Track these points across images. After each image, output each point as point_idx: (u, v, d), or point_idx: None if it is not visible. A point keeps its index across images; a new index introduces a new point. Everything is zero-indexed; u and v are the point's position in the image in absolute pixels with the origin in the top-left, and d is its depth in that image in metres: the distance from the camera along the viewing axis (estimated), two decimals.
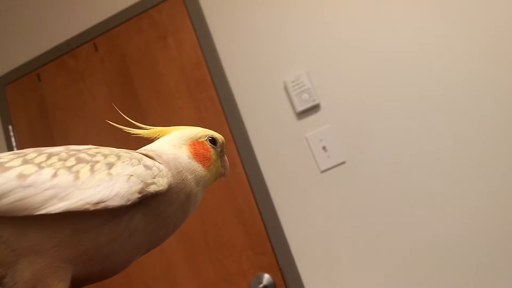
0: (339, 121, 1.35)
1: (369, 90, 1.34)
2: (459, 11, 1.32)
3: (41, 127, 1.64)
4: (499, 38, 1.27)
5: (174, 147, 0.47)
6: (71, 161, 0.36)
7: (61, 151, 0.37)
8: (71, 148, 0.38)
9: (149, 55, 1.57)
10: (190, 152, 0.47)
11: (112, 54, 1.61)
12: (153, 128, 0.51)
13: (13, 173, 0.33)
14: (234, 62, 1.47)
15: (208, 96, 1.47)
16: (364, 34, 1.37)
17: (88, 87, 1.61)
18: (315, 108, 1.37)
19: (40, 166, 0.34)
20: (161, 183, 0.38)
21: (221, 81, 1.46)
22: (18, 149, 1.61)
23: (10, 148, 1.62)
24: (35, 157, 0.35)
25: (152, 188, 0.37)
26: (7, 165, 0.34)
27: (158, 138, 0.50)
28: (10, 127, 1.66)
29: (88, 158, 0.37)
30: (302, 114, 1.38)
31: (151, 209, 0.39)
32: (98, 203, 0.34)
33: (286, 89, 1.40)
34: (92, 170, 0.35)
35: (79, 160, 0.36)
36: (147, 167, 0.38)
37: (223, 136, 0.54)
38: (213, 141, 0.51)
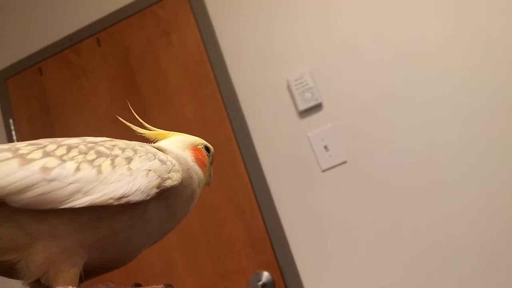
0: (341, 121, 1.34)
1: (371, 90, 1.34)
2: (464, 11, 1.31)
3: (42, 121, 1.64)
4: (503, 38, 1.27)
5: (179, 149, 0.49)
6: (91, 155, 0.36)
7: (79, 143, 0.37)
8: (88, 140, 0.39)
9: (152, 51, 1.56)
10: (193, 156, 0.50)
11: (115, 50, 1.60)
12: (156, 130, 0.53)
13: (36, 165, 0.33)
14: (237, 60, 1.47)
15: (210, 93, 1.47)
16: (368, 34, 1.37)
17: (90, 82, 1.61)
18: (317, 107, 1.37)
19: (62, 159, 0.35)
20: (175, 178, 0.39)
21: (224, 78, 1.46)
22: None
23: (11, 142, 1.62)
24: (55, 149, 0.36)
25: (168, 183, 0.38)
26: (29, 157, 0.34)
27: (159, 140, 0.52)
28: (11, 121, 1.66)
29: (107, 151, 0.37)
30: (305, 113, 1.37)
31: (164, 200, 0.40)
32: (121, 197, 0.35)
33: (289, 87, 1.39)
34: (113, 164, 0.36)
35: (99, 154, 0.37)
36: (162, 161, 0.40)
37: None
38: (207, 149, 0.54)
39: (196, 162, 0.49)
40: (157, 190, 0.37)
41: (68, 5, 1.69)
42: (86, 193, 0.33)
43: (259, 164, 1.38)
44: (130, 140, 0.41)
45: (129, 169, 0.37)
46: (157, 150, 0.42)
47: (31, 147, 0.35)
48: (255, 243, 1.35)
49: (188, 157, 0.49)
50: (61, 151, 0.35)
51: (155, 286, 0.38)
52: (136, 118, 0.52)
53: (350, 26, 1.39)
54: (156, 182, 0.37)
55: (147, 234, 0.40)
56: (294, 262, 1.30)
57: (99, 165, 0.35)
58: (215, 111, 1.45)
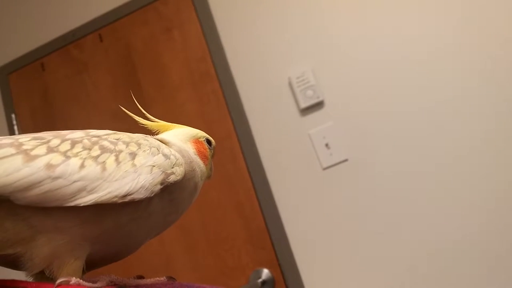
0: (342, 119, 1.34)
1: (373, 88, 1.34)
2: (466, 11, 1.31)
3: (44, 116, 1.64)
4: (503, 39, 1.27)
5: (181, 141, 0.49)
6: (95, 150, 0.36)
7: (82, 137, 0.37)
8: (91, 133, 0.39)
9: (154, 47, 1.56)
10: (195, 148, 0.50)
11: (117, 45, 1.60)
12: (159, 122, 0.53)
13: (40, 162, 0.33)
14: (239, 57, 1.47)
15: (212, 90, 1.47)
16: (370, 32, 1.37)
17: (92, 78, 1.61)
18: (319, 105, 1.37)
19: (66, 155, 0.34)
20: (179, 173, 0.39)
21: (226, 75, 1.46)
22: None
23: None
24: (59, 145, 0.35)
25: (172, 179, 0.38)
26: (33, 153, 0.33)
27: (160, 132, 0.52)
28: (13, 116, 1.66)
29: (111, 147, 0.37)
30: (306, 110, 1.37)
31: (167, 193, 0.40)
32: (125, 195, 0.35)
33: (290, 85, 1.40)
34: (117, 160, 0.36)
35: (103, 150, 0.37)
36: (166, 156, 0.39)
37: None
38: (209, 142, 0.53)
39: (198, 154, 0.49)
40: (161, 186, 0.37)
41: (71, 0, 1.69)
42: (90, 191, 0.33)
43: (259, 161, 1.38)
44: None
45: (134, 165, 0.36)
46: (160, 143, 0.42)
47: (34, 142, 0.35)
48: (255, 240, 1.35)
49: (190, 149, 0.48)
50: (65, 146, 0.35)
51: (158, 278, 0.38)
52: (138, 111, 0.52)
53: (352, 24, 1.39)
54: (160, 178, 0.37)
55: (150, 227, 0.40)
56: (294, 260, 1.30)
57: (104, 162, 0.35)
58: (216, 108, 1.45)
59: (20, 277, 0.35)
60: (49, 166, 0.33)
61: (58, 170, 0.33)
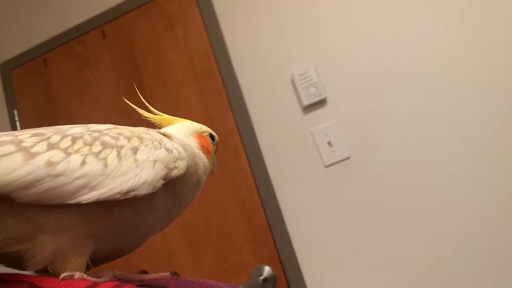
0: (345, 116, 1.34)
1: (376, 86, 1.34)
2: (469, 11, 1.30)
3: (46, 112, 1.64)
4: (505, 39, 1.26)
5: (184, 136, 0.49)
6: (97, 146, 0.35)
7: (83, 133, 0.37)
8: (92, 128, 0.38)
9: (156, 43, 1.56)
10: (198, 143, 0.49)
11: (119, 42, 1.60)
12: (162, 115, 0.52)
13: (41, 160, 0.32)
14: (241, 54, 1.46)
15: (214, 87, 1.47)
16: (374, 30, 1.37)
17: (94, 74, 1.61)
18: (321, 103, 1.36)
19: (67, 152, 0.34)
20: (181, 167, 0.39)
21: (228, 72, 1.46)
22: None
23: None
24: (59, 141, 0.35)
25: (174, 173, 0.38)
26: (33, 150, 0.33)
27: (163, 126, 0.52)
28: (15, 112, 1.66)
29: (113, 142, 0.37)
30: (308, 108, 1.37)
31: (171, 188, 0.39)
32: (128, 192, 0.34)
33: (293, 82, 1.39)
34: (119, 156, 0.36)
35: (105, 145, 0.36)
36: (168, 150, 0.39)
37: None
38: (212, 137, 0.53)
39: (201, 149, 0.48)
40: (163, 182, 0.37)
41: None
42: (92, 188, 0.33)
43: (262, 159, 1.38)
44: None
45: (136, 160, 0.36)
46: (163, 137, 0.41)
47: (35, 139, 0.34)
48: (257, 238, 1.35)
49: (193, 144, 0.48)
50: (66, 142, 0.35)
51: (162, 273, 0.38)
52: (140, 106, 0.52)
53: (356, 22, 1.39)
54: (162, 173, 0.37)
55: (154, 222, 0.40)
56: (296, 257, 1.30)
57: (105, 158, 0.35)
58: (219, 104, 1.45)
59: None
60: (50, 163, 0.32)
61: (59, 168, 0.32)
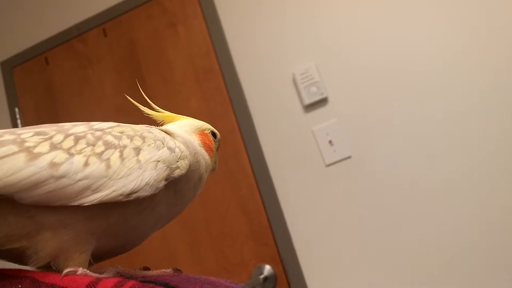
0: (346, 116, 1.34)
1: (377, 85, 1.34)
2: (470, 9, 1.30)
3: (47, 110, 1.64)
4: (507, 36, 1.26)
5: (186, 133, 0.49)
6: (99, 147, 0.35)
7: (86, 132, 0.36)
8: (95, 127, 0.38)
9: (158, 42, 1.56)
10: (200, 140, 0.49)
11: (121, 40, 1.60)
12: (164, 112, 0.52)
13: (44, 161, 0.32)
14: (243, 52, 1.46)
15: (215, 86, 1.47)
16: (375, 29, 1.37)
17: (95, 72, 1.61)
18: (323, 102, 1.36)
19: (70, 153, 0.34)
20: (184, 166, 0.39)
21: (230, 71, 1.46)
22: None
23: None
24: (62, 141, 0.34)
25: (177, 173, 0.38)
26: (36, 150, 0.33)
27: (165, 123, 0.52)
28: (16, 110, 1.66)
29: (116, 142, 0.36)
30: (310, 107, 1.37)
31: (172, 185, 0.39)
32: (130, 193, 0.34)
33: (294, 81, 1.39)
34: (121, 157, 0.35)
35: (107, 145, 0.36)
36: (171, 149, 0.39)
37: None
38: (214, 135, 0.53)
39: (203, 146, 0.48)
40: (166, 182, 0.37)
41: None
42: (95, 190, 0.33)
43: (263, 158, 1.38)
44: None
45: (138, 161, 0.36)
46: (165, 135, 0.41)
47: (37, 138, 0.34)
48: (257, 237, 1.35)
49: (195, 141, 0.48)
50: (69, 142, 0.34)
51: (164, 270, 0.38)
52: (142, 104, 0.52)
53: (357, 21, 1.39)
54: (165, 174, 0.37)
55: (155, 219, 0.40)
56: (297, 256, 1.30)
57: (108, 159, 0.35)
58: (220, 103, 1.45)
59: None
60: (53, 164, 0.32)
61: (62, 169, 0.32)
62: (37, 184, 0.31)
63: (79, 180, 0.32)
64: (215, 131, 0.54)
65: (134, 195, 0.34)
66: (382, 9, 1.37)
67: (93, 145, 0.35)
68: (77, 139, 0.35)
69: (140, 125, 0.41)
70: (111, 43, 1.61)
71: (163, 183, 0.36)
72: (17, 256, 0.34)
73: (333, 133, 1.34)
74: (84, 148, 0.35)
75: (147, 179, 0.35)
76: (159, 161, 0.37)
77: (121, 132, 0.38)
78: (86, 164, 0.33)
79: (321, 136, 1.34)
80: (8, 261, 0.35)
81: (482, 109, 1.25)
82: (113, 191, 0.33)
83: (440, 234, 1.22)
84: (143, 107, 0.51)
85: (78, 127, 0.37)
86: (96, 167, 0.34)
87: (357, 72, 1.36)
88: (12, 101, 1.68)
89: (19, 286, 0.31)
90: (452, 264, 1.20)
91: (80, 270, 0.32)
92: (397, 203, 1.26)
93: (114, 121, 0.41)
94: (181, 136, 0.45)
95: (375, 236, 1.26)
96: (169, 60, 1.53)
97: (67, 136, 0.35)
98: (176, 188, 0.40)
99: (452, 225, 1.21)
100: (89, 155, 0.34)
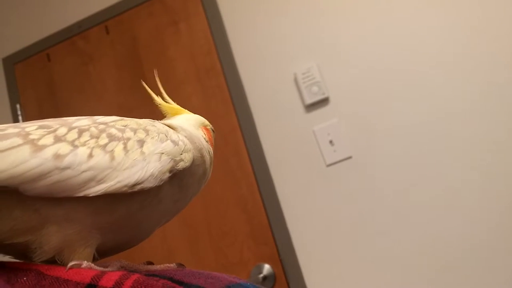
0: (347, 116, 1.34)
1: (378, 85, 1.34)
2: (471, 9, 1.30)
3: (48, 107, 1.64)
4: (509, 36, 1.26)
5: (193, 127, 0.49)
6: (103, 139, 0.36)
7: (89, 125, 0.37)
8: (98, 120, 0.38)
9: (160, 40, 1.56)
10: (205, 135, 0.49)
11: (123, 38, 1.60)
12: (172, 104, 0.53)
13: (48, 153, 0.32)
14: (245, 51, 1.47)
15: (217, 84, 1.47)
16: (377, 29, 1.37)
17: (97, 70, 1.61)
18: (324, 102, 1.37)
19: (74, 144, 0.34)
20: (187, 159, 0.39)
21: (231, 70, 1.46)
22: None
23: None
24: (66, 134, 0.35)
25: (181, 166, 0.38)
26: (40, 143, 0.33)
27: (168, 115, 0.53)
28: (18, 106, 1.66)
29: (119, 134, 0.37)
30: (311, 106, 1.37)
31: (177, 179, 0.39)
32: (135, 185, 0.34)
33: (296, 81, 1.39)
34: (125, 149, 0.36)
35: (111, 138, 0.36)
36: (174, 142, 0.39)
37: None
38: (213, 131, 0.54)
39: (208, 141, 0.49)
40: (170, 174, 0.37)
41: None
42: (100, 181, 0.33)
43: (263, 157, 1.38)
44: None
45: (142, 153, 0.36)
46: (168, 129, 0.41)
47: (41, 131, 0.34)
48: (257, 236, 1.35)
49: (202, 136, 0.48)
50: (73, 135, 0.35)
51: (168, 264, 0.38)
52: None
53: (358, 21, 1.39)
54: (169, 166, 0.37)
55: (160, 214, 0.40)
56: (296, 256, 1.30)
57: (112, 150, 0.35)
58: (221, 102, 1.45)
59: None
60: (57, 156, 0.32)
61: (66, 160, 0.32)
62: (41, 175, 0.31)
63: (84, 171, 0.33)
64: (213, 128, 0.55)
65: (138, 186, 0.34)
66: (384, 9, 1.37)
67: (97, 137, 0.35)
68: (81, 132, 0.35)
69: (143, 119, 0.41)
70: (113, 41, 1.61)
71: (167, 175, 0.36)
72: (22, 250, 0.34)
73: (334, 133, 1.34)
74: (88, 140, 0.35)
75: (152, 170, 0.35)
76: (163, 153, 0.37)
77: (125, 125, 0.38)
78: (91, 155, 0.34)
79: (322, 136, 1.35)
80: (14, 256, 0.35)
81: (483, 110, 1.25)
82: (118, 182, 0.33)
83: (440, 234, 1.22)
84: (154, 95, 0.52)
85: (82, 121, 0.37)
86: (100, 158, 0.34)
87: (359, 72, 1.36)
88: (14, 97, 1.68)
89: (24, 278, 0.31)
90: (452, 265, 1.20)
91: (85, 264, 0.32)
92: (397, 204, 1.26)
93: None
94: (187, 130, 0.45)
95: (374, 236, 1.26)
96: (170, 58, 1.54)
97: (71, 129, 0.35)
98: (181, 183, 0.40)
99: (453, 226, 1.22)
100: (93, 147, 0.34)
